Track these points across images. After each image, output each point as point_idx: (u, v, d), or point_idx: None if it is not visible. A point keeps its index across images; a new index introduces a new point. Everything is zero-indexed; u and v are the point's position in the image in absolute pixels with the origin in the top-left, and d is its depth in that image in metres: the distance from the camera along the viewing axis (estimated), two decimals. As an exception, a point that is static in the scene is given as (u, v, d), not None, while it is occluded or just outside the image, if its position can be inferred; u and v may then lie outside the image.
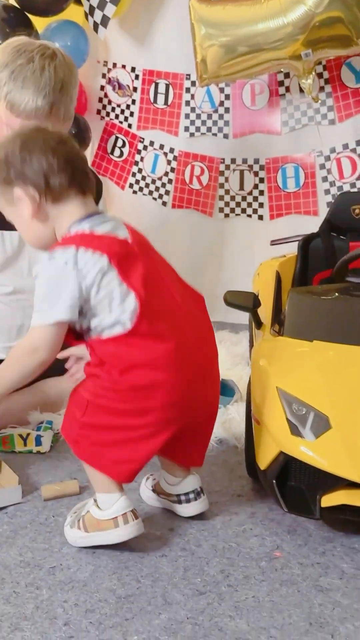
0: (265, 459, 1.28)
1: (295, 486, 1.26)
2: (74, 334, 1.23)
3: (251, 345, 2.04)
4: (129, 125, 2.83)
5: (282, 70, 2.48)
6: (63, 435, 1.27)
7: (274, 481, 1.25)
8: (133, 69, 2.77)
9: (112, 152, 2.91)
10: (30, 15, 2.46)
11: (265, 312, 1.71)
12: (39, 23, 2.53)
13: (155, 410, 1.17)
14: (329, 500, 1.21)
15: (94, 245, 1.16)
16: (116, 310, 1.16)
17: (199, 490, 1.31)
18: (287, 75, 2.56)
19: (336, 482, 1.20)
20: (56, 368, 1.40)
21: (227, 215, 2.77)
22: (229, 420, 1.72)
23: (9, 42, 1.62)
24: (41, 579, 1.15)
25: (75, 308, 1.15)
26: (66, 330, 1.20)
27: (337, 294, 1.59)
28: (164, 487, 1.34)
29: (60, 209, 1.20)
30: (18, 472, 1.46)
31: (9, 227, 1.71)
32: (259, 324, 1.68)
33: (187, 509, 1.31)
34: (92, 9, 2.48)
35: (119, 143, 2.88)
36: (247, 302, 1.63)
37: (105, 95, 2.87)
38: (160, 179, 2.81)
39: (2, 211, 1.26)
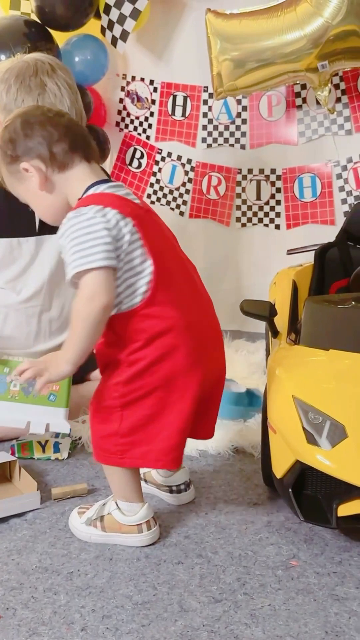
0: (281, 467, 1.28)
1: (311, 495, 1.26)
2: None
3: (268, 354, 2.04)
4: (147, 137, 2.86)
5: (298, 82, 2.50)
6: (100, 460, 1.27)
7: (290, 490, 1.25)
8: (151, 82, 2.81)
9: (130, 164, 2.94)
10: (50, 30, 2.51)
11: (281, 321, 1.72)
12: (59, 37, 2.57)
13: (180, 374, 1.21)
14: (346, 509, 1.21)
15: (121, 207, 1.17)
16: (135, 277, 1.18)
17: (188, 482, 1.43)
18: (303, 86, 2.58)
19: (353, 491, 1.20)
20: (74, 376, 1.43)
21: (244, 225, 2.78)
22: (245, 428, 1.73)
23: (8, 61, 1.65)
24: (59, 585, 1.17)
25: (113, 254, 1.14)
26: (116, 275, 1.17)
27: (353, 303, 1.60)
28: (155, 478, 1.44)
29: (68, 176, 1.22)
30: (36, 479, 1.48)
31: (26, 233, 1.76)
32: (275, 332, 1.68)
33: (178, 499, 1.42)
34: (111, 24, 2.52)
35: (138, 154, 2.91)
36: (263, 311, 1.64)
37: (124, 108, 2.91)
38: (177, 189, 2.84)
39: (15, 192, 1.29)
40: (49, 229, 1.78)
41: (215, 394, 1.31)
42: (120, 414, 1.22)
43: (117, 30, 2.51)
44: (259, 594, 1.13)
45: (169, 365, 1.21)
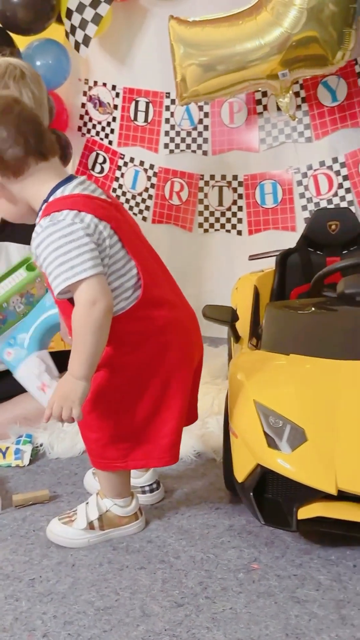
0: (242, 471, 1.30)
1: (272, 499, 1.28)
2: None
3: (230, 358, 2.06)
4: (110, 142, 2.86)
5: (260, 89, 2.53)
6: (102, 467, 1.27)
7: (252, 494, 1.27)
8: (114, 87, 2.81)
9: (92, 168, 2.93)
10: (12, 34, 2.49)
11: (243, 326, 1.73)
12: (21, 42, 2.56)
13: (174, 370, 1.23)
14: (306, 512, 1.22)
15: (95, 209, 1.13)
16: (120, 279, 1.17)
17: (158, 481, 1.45)
18: (264, 94, 2.61)
19: (312, 495, 1.22)
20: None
21: (206, 231, 2.80)
22: (207, 433, 1.74)
23: None
24: (20, 591, 1.16)
25: (99, 260, 1.12)
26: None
27: (313, 308, 1.63)
28: None
29: (26, 182, 1.16)
30: (-3, 486, 1.46)
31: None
32: (237, 337, 1.70)
33: (150, 498, 1.44)
34: (73, 28, 2.51)
35: (100, 159, 2.90)
36: (225, 316, 1.66)
37: (87, 113, 2.90)
38: (140, 194, 2.84)
39: None
40: (8, 236, 1.77)
41: (197, 377, 1.34)
42: (118, 418, 1.23)
43: (80, 35, 2.50)
44: (221, 597, 1.14)
45: (162, 363, 1.22)
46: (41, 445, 1.71)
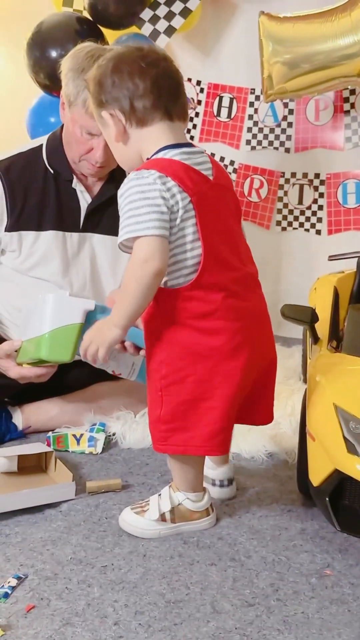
0: (319, 475, 1.27)
1: (348, 505, 1.25)
2: None
3: (304, 359, 2.03)
4: (192, 137, 2.86)
5: (348, 87, 2.48)
6: (154, 447, 1.28)
7: (327, 499, 1.25)
8: (198, 82, 2.81)
9: (172, 163, 2.95)
10: (102, 28, 2.52)
11: (322, 327, 1.70)
12: (110, 36, 2.59)
13: (223, 358, 1.20)
14: (383, 521, 1.20)
15: (183, 180, 1.16)
16: (183, 255, 1.18)
17: (232, 478, 1.45)
18: (352, 92, 2.55)
19: (391, 503, 1.19)
20: (109, 373, 1.44)
21: (284, 229, 2.77)
22: (280, 434, 1.72)
23: (80, 47, 1.65)
24: (93, 577, 1.18)
25: (166, 224, 1.15)
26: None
27: None
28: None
29: (144, 133, 1.21)
30: (71, 472, 1.49)
31: (71, 228, 1.77)
32: (316, 339, 1.67)
33: (220, 493, 1.43)
34: (156, 18, 2.47)
35: (181, 154, 2.92)
36: (305, 316, 1.63)
37: (169, 107, 2.91)
38: (219, 190, 2.84)
39: (101, 131, 1.29)
40: (91, 227, 1.79)
41: (269, 378, 1.32)
42: (161, 398, 1.23)
43: (162, 25, 2.46)
44: (292, 600, 1.12)
45: (210, 347, 1.20)
46: (114, 434, 1.74)
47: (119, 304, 1.20)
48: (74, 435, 1.69)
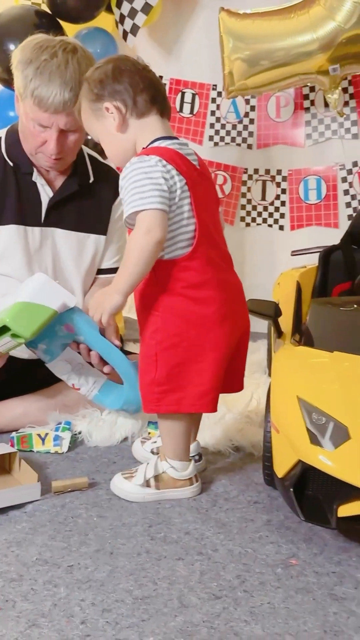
0: (283, 467, 1.29)
1: (312, 495, 1.27)
2: None
3: (269, 353, 2.05)
4: (154, 133, 2.87)
5: (308, 84, 2.50)
6: (145, 409, 1.39)
7: (292, 489, 1.26)
8: (160, 78, 2.80)
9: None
10: (61, 22, 2.50)
11: (285, 321, 1.72)
12: (69, 30, 2.57)
13: (213, 325, 1.33)
14: (346, 510, 1.21)
15: (179, 165, 1.30)
16: (179, 229, 1.31)
17: (201, 452, 1.54)
18: (312, 89, 2.58)
19: (353, 493, 1.20)
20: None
21: (248, 225, 2.79)
22: (246, 427, 1.73)
23: (30, 39, 1.63)
24: (59, 577, 1.17)
25: (167, 200, 1.27)
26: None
27: (355, 306, 1.60)
28: None
29: (142, 124, 1.34)
30: (36, 472, 1.47)
31: (32, 222, 1.74)
32: (279, 333, 1.69)
33: (194, 467, 1.47)
34: (122, 17, 2.51)
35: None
36: (269, 310, 1.65)
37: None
38: (182, 187, 2.84)
39: (88, 127, 1.41)
40: (54, 222, 1.78)
41: (242, 347, 1.43)
42: (156, 362, 1.33)
43: (128, 24, 2.50)
44: (259, 591, 1.13)
45: (202, 315, 1.32)
46: (80, 432, 1.73)
47: (121, 271, 1.30)
48: (39, 435, 1.67)
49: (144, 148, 1.33)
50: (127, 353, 1.93)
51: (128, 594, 1.13)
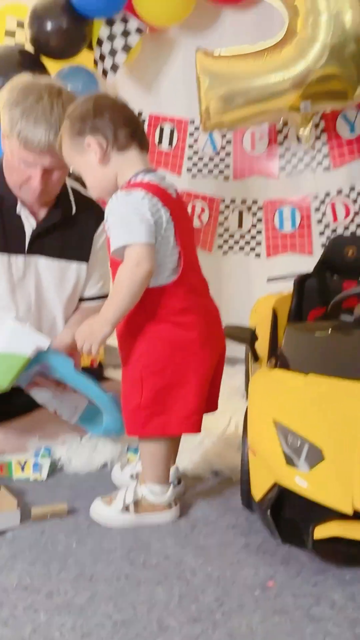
0: (260, 490, 1.31)
1: (289, 518, 1.29)
2: None
3: (247, 378, 2.08)
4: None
5: (281, 119, 2.59)
6: (129, 432, 1.43)
7: (269, 512, 1.28)
8: (140, 114, 2.88)
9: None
10: (45, 59, 2.56)
11: (262, 346, 1.76)
12: (52, 67, 2.63)
13: (196, 348, 1.39)
14: (322, 531, 1.23)
15: (162, 198, 1.36)
16: (165, 259, 1.36)
17: (180, 477, 1.57)
18: (285, 123, 2.67)
19: (329, 514, 1.22)
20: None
21: (225, 253, 2.84)
22: (224, 452, 1.75)
23: (16, 81, 1.69)
24: (39, 603, 1.17)
25: (154, 234, 1.32)
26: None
27: (331, 330, 1.65)
28: None
29: (123, 157, 1.39)
30: (16, 498, 1.48)
31: (16, 250, 1.78)
32: (256, 357, 1.73)
33: (173, 492, 1.49)
34: (102, 56, 2.59)
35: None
36: (245, 336, 1.69)
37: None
38: (161, 216, 2.90)
39: (71, 162, 1.45)
40: (38, 249, 1.81)
41: (219, 369, 1.49)
42: (142, 387, 1.37)
43: (108, 62, 2.58)
44: (237, 614, 1.14)
45: (186, 339, 1.38)
46: (59, 459, 1.73)
47: (110, 302, 1.35)
48: (19, 462, 1.67)
49: (127, 182, 1.38)
50: (106, 379, 1.95)
51: (108, 618, 1.13)
